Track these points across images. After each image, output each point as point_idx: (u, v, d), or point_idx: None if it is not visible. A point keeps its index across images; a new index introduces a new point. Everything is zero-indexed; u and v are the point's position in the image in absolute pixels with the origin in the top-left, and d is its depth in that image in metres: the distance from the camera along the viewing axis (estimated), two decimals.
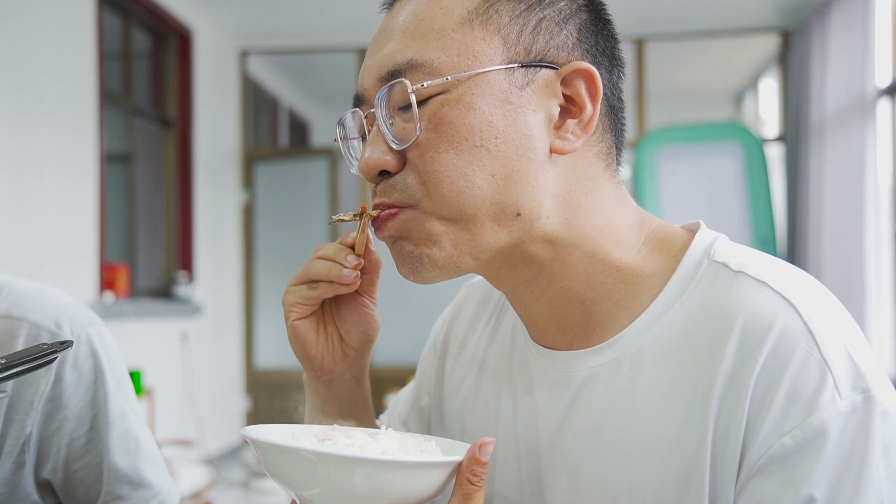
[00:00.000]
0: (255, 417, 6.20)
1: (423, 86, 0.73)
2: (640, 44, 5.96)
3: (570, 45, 0.75)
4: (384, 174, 0.76)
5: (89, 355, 1.04)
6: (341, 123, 0.81)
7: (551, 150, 0.74)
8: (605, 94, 0.77)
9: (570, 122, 0.75)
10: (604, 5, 0.80)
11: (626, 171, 0.71)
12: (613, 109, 0.79)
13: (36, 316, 1.02)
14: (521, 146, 0.73)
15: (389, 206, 0.76)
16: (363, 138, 0.79)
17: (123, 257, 4.85)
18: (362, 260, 0.83)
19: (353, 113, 0.80)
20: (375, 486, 0.63)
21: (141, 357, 4.49)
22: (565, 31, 0.75)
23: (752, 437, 0.67)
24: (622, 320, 0.77)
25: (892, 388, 0.69)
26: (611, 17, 0.80)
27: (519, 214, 0.74)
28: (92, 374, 1.04)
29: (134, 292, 4.85)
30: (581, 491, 0.76)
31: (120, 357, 1.08)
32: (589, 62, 0.76)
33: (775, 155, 6.23)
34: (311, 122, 8.55)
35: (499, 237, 0.75)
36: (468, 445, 0.68)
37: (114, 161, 4.76)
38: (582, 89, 0.75)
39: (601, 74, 0.76)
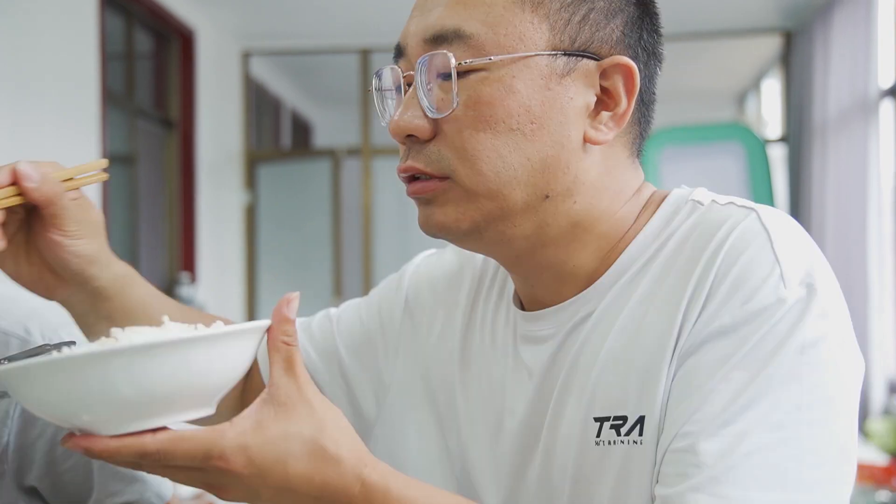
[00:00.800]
0: None
1: (466, 62, 0.73)
2: None
3: (615, 38, 0.76)
4: (412, 137, 0.77)
5: None
6: (378, 75, 0.81)
7: (585, 139, 0.76)
8: (643, 86, 0.78)
9: (605, 115, 0.76)
10: (650, 2, 0.81)
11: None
12: (646, 103, 0.81)
13: (4, 323, 0.98)
14: (557, 133, 0.75)
15: (419, 172, 0.76)
16: (398, 91, 0.79)
17: (126, 258, 4.82)
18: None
19: (392, 69, 0.80)
20: (183, 374, 0.55)
21: None
22: (612, 25, 0.76)
23: (699, 321, 0.70)
24: (603, 269, 0.79)
25: (841, 301, 0.71)
26: (658, 12, 0.81)
27: (548, 197, 0.76)
28: None
29: None
30: (564, 426, 0.77)
31: None
32: (629, 57, 0.77)
33: (778, 156, 6.22)
34: (314, 123, 8.55)
35: (526, 218, 0.76)
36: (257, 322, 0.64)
37: (116, 162, 4.76)
38: (619, 84, 0.76)
39: (640, 69, 0.77)
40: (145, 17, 5.06)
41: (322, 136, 8.54)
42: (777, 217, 0.73)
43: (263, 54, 6.47)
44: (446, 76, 0.74)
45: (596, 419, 0.74)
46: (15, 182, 0.77)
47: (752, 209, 0.74)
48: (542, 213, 0.76)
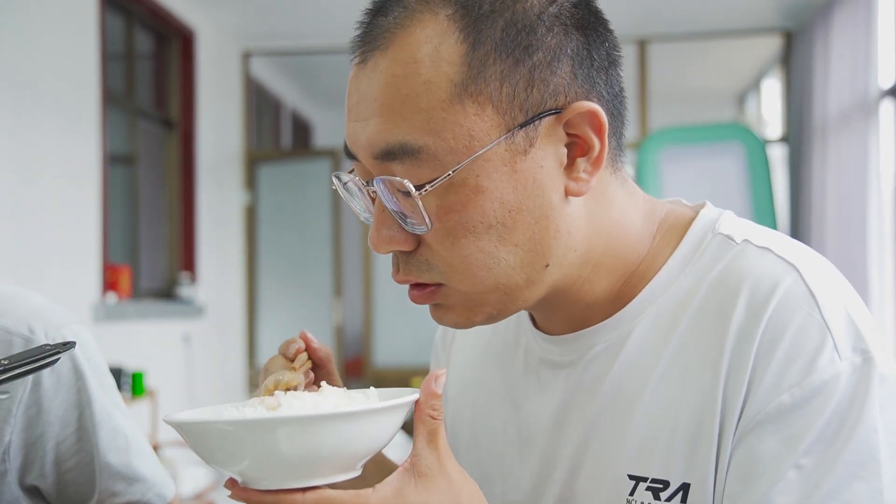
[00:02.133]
0: None
1: (428, 188, 0.69)
2: (642, 45, 5.95)
3: (567, 82, 0.71)
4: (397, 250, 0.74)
5: (67, 357, 1.00)
6: (337, 177, 0.77)
7: (567, 193, 0.72)
8: (608, 104, 0.74)
9: (581, 162, 0.72)
10: (590, 6, 0.74)
11: (629, 172, 0.70)
12: (617, 111, 0.76)
13: (7, 321, 0.98)
14: (537, 208, 0.71)
15: (414, 282, 0.74)
16: (362, 192, 0.76)
17: (126, 258, 4.85)
18: (302, 377, 0.80)
19: (350, 173, 0.76)
20: (339, 443, 0.61)
21: (143, 358, 4.49)
22: (559, 72, 0.70)
23: (752, 396, 0.67)
24: (627, 298, 0.77)
25: (891, 353, 0.70)
26: (598, 11, 0.75)
27: (548, 266, 0.73)
28: (72, 376, 1.01)
29: (137, 293, 4.85)
30: (585, 471, 0.76)
31: (99, 354, 1.06)
32: (586, 90, 0.71)
33: (778, 156, 6.22)
34: (314, 124, 8.55)
35: (536, 291, 0.74)
36: (409, 390, 0.68)
37: (116, 162, 4.76)
38: (587, 129, 0.71)
39: (601, 94, 0.73)
40: (145, 17, 5.06)
41: (322, 137, 8.54)
42: (819, 274, 0.71)
43: (263, 54, 6.47)
44: (409, 194, 0.69)
45: (631, 477, 0.72)
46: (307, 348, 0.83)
47: (792, 265, 0.70)
48: (549, 277, 0.74)
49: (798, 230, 5.78)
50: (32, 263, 3.66)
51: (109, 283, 4.33)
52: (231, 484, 0.65)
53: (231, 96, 6.17)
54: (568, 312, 0.79)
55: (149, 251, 5.19)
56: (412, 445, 0.66)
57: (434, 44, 0.69)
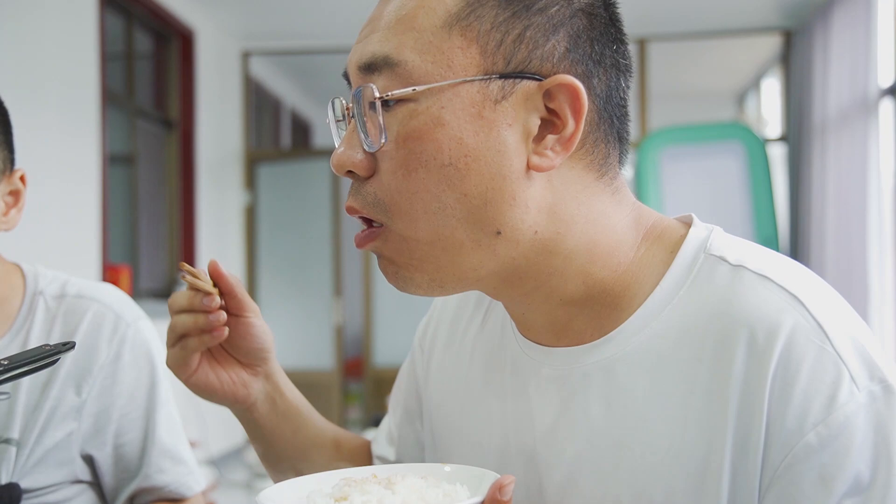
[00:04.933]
0: None
1: (388, 95, 0.69)
2: (642, 44, 5.96)
3: (558, 55, 0.70)
4: (353, 173, 0.74)
5: (144, 342, 1.18)
6: (332, 106, 0.78)
7: (528, 167, 0.70)
8: (597, 104, 0.72)
9: (550, 138, 0.70)
10: (611, 5, 0.75)
11: (628, 172, 0.69)
12: (610, 118, 0.74)
13: (106, 299, 1.18)
14: (495, 163, 0.69)
15: (358, 213, 0.74)
16: (346, 123, 0.77)
17: (126, 258, 4.86)
18: (218, 299, 0.82)
19: (341, 99, 0.78)
20: None
21: None
22: (553, 41, 0.70)
23: (774, 438, 0.66)
24: (618, 317, 0.75)
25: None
26: (617, 18, 0.75)
27: (499, 233, 0.71)
28: (147, 359, 1.18)
29: (136, 293, 4.85)
30: (579, 491, 0.74)
31: (162, 347, 1.17)
32: (579, 73, 0.71)
33: (778, 155, 6.23)
34: (314, 123, 8.55)
35: (483, 258, 0.72)
36: (486, 473, 0.68)
37: (116, 162, 4.77)
38: (565, 105, 0.70)
39: (593, 85, 0.71)
40: (145, 17, 5.06)
41: (322, 136, 8.55)
42: (824, 304, 0.69)
43: (263, 54, 6.48)
44: (375, 108, 0.70)
45: None
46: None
47: (796, 298, 0.69)
48: (502, 249, 0.71)
49: (798, 229, 5.78)
50: (32, 262, 3.66)
51: (109, 283, 4.33)
52: None
53: (231, 96, 6.17)
54: (544, 309, 0.77)
55: (148, 251, 5.19)
56: None
57: None
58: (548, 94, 0.70)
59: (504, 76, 0.69)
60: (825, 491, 0.64)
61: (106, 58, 4.37)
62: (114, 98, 4.66)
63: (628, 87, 0.76)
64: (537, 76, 0.70)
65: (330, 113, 0.78)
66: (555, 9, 0.71)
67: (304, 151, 7.44)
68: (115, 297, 1.20)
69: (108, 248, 4.40)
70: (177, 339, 0.84)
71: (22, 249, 3.61)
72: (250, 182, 6.37)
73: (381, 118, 0.70)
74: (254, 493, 5.14)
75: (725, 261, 0.73)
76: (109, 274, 4.34)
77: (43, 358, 0.84)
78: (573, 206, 0.73)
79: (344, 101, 0.77)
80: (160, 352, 1.20)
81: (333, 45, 6.13)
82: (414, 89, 0.69)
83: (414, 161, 0.70)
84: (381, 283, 6.07)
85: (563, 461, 0.75)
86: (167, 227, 5.42)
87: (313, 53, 6.40)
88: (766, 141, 5.84)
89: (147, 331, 1.20)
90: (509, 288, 0.76)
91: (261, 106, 7.04)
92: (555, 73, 0.70)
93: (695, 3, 5.59)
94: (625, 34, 0.75)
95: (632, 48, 0.78)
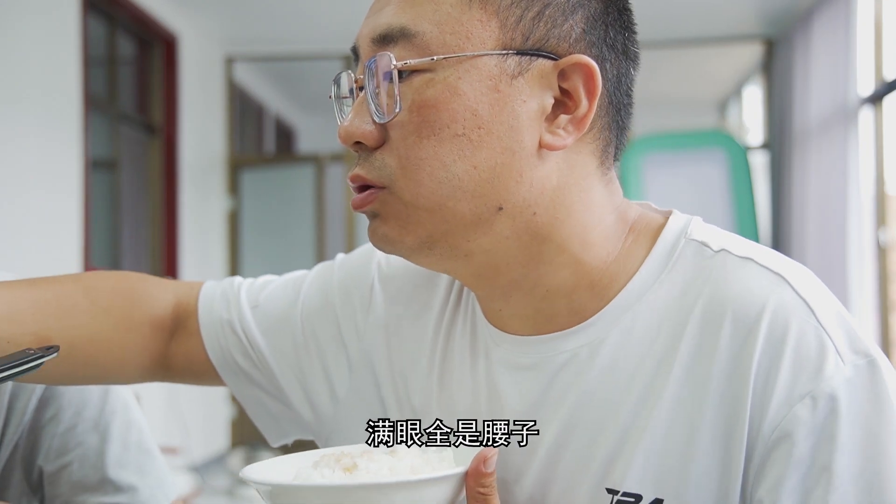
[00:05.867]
0: (240, 425, 6.17)
1: (406, 63, 0.69)
2: None
3: (574, 36, 0.71)
4: (361, 144, 0.73)
5: None
6: (336, 82, 0.78)
7: (540, 145, 0.71)
8: (607, 89, 0.73)
9: (563, 118, 0.71)
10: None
11: (616, 175, 0.69)
12: (617, 105, 0.75)
13: None
14: (507, 138, 0.70)
15: (364, 182, 0.73)
16: (353, 97, 0.76)
17: (108, 264, 4.83)
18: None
19: (348, 74, 0.77)
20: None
21: None
22: (571, 21, 0.71)
23: (762, 412, 0.66)
24: (598, 304, 0.75)
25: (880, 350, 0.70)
26: (629, 8, 0.77)
27: (501, 209, 0.71)
28: None
29: None
30: (556, 478, 0.74)
31: None
32: (593, 55, 0.71)
33: (759, 162, 6.27)
34: (297, 129, 8.54)
35: (479, 233, 0.72)
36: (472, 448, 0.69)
37: (99, 167, 4.74)
38: (580, 85, 0.71)
39: (605, 69, 0.72)
40: (128, 22, 5.04)
41: (305, 142, 8.53)
42: (807, 281, 0.70)
43: (247, 60, 6.46)
44: (392, 78, 0.70)
45: (609, 490, 0.71)
46: None
47: (779, 275, 0.70)
48: (500, 225, 0.71)
49: (779, 235, 5.82)
50: (13, 267, 3.63)
51: None
52: None
53: (214, 101, 6.15)
54: (526, 301, 0.76)
55: (131, 256, 5.16)
56: None
57: None
58: (562, 74, 0.71)
59: (521, 52, 0.70)
60: (813, 462, 0.65)
61: (88, 62, 4.35)
62: (96, 103, 4.63)
63: (635, 77, 0.77)
64: (553, 55, 0.71)
65: (334, 89, 0.78)
66: None
67: (288, 157, 7.42)
68: None
69: (91, 253, 4.37)
70: None
71: (3, 253, 3.58)
72: (234, 188, 6.35)
73: (396, 87, 0.70)
74: (236, 499, 5.11)
75: (707, 245, 0.73)
76: None
77: (27, 361, 0.84)
78: (574, 192, 0.73)
79: (352, 75, 0.77)
80: None
81: (317, 50, 6.13)
82: (433, 59, 0.69)
83: (427, 129, 0.70)
84: None
85: (540, 451, 0.75)
86: (150, 232, 5.39)
87: (297, 59, 6.39)
88: (748, 148, 5.88)
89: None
90: (494, 275, 0.75)
91: (244, 111, 7.02)
92: (570, 53, 0.71)
93: (677, 11, 5.62)
94: (635, 23, 0.77)
95: None
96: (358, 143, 0.73)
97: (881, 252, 4.63)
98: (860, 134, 4.60)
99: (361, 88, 0.73)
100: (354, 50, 0.76)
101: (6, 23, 3.69)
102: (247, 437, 6.08)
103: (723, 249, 0.73)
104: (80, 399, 1.04)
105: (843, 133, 4.71)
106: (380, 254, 0.91)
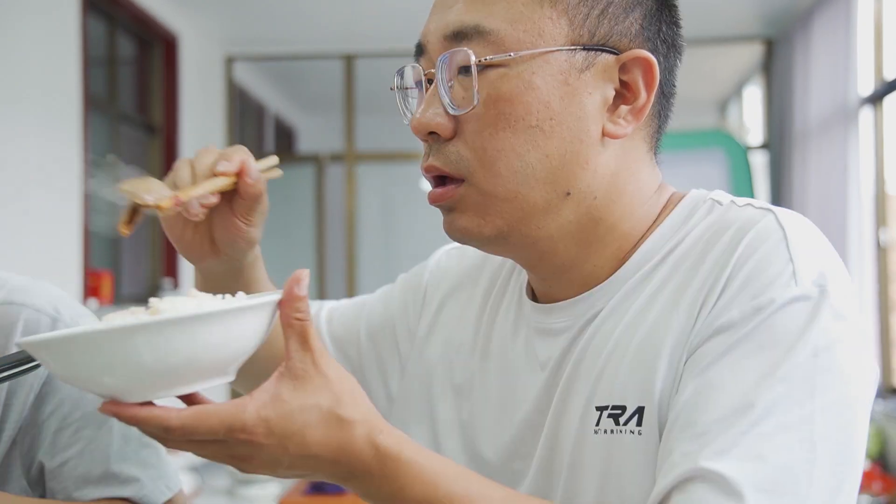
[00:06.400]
0: None
1: (486, 59, 0.73)
2: None
3: (634, 31, 0.77)
4: (434, 135, 0.77)
5: None
6: (400, 73, 0.82)
7: (603, 133, 0.76)
8: (663, 79, 0.78)
9: (623, 108, 0.76)
10: None
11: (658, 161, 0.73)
12: (665, 95, 0.81)
13: (37, 302, 1.05)
14: (576, 128, 0.75)
15: (441, 172, 0.77)
16: (420, 89, 0.80)
17: (108, 264, 4.83)
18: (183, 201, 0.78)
19: (412, 67, 0.81)
20: (200, 347, 0.59)
21: None
22: (630, 18, 0.76)
23: (711, 313, 0.69)
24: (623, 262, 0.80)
25: (856, 306, 0.70)
26: (676, 3, 0.82)
27: (569, 194, 0.76)
28: None
29: (118, 299, 4.82)
30: (569, 414, 0.77)
31: None
32: (649, 49, 0.77)
33: (759, 162, 6.27)
34: (298, 129, 8.53)
35: (549, 218, 0.76)
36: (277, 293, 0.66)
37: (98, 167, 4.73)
38: (639, 77, 0.76)
39: (660, 62, 0.78)
40: (128, 22, 5.04)
41: (306, 142, 8.53)
42: (794, 218, 0.74)
43: (247, 59, 6.46)
44: (466, 73, 0.74)
45: (597, 408, 0.75)
46: (238, 173, 0.82)
47: (769, 210, 0.74)
48: (566, 210, 0.76)
49: None
50: (13, 267, 3.62)
51: (90, 289, 4.30)
52: (104, 403, 0.63)
53: (214, 101, 6.15)
54: (573, 275, 0.80)
55: (131, 256, 5.16)
56: (285, 351, 0.65)
57: None
58: (623, 68, 0.76)
59: (588, 48, 0.75)
60: (729, 365, 0.66)
61: (88, 62, 4.35)
62: (96, 103, 4.63)
63: (678, 69, 0.83)
64: (616, 50, 0.76)
65: (397, 80, 0.82)
66: None
67: (288, 157, 7.42)
68: (50, 298, 1.08)
69: (90, 253, 4.37)
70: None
71: (2, 254, 3.58)
72: None
73: (475, 81, 0.74)
74: (236, 499, 5.11)
75: (718, 202, 0.79)
76: (91, 280, 4.31)
77: (26, 362, 0.84)
78: (627, 175, 0.79)
79: (418, 67, 0.80)
80: None
81: (318, 51, 6.13)
82: (511, 55, 0.73)
83: (503, 122, 0.74)
84: (364, 289, 6.06)
85: (558, 397, 0.79)
86: (149, 232, 5.39)
87: (297, 59, 6.39)
88: (748, 148, 5.88)
89: None
90: (552, 256, 0.79)
91: (244, 111, 7.02)
92: (630, 48, 0.76)
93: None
94: (680, 17, 0.82)
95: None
96: (431, 133, 0.77)
97: (881, 252, 4.63)
98: (860, 134, 4.60)
99: (430, 81, 0.77)
100: (420, 46, 0.80)
101: (6, 23, 3.68)
102: None
103: (731, 202, 0.78)
104: (79, 393, 1.04)
105: (843, 133, 4.70)
106: (431, 264, 1.00)
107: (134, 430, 1.05)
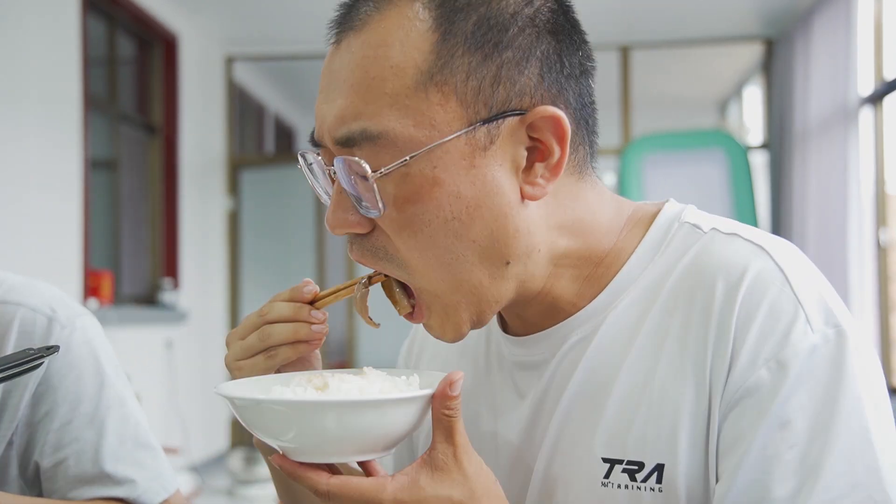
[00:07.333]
0: (239, 425, 6.15)
1: (382, 172, 0.69)
2: (625, 52, 5.99)
3: (533, 85, 0.71)
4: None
5: (84, 342, 1.06)
6: (303, 157, 0.78)
7: (523, 197, 0.72)
8: (576, 113, 0.74)
9: (539, 166, 0.72)
10: (569, 10, 0.75)
11: (610, 179, 0.70)
12: (585, 121, 0.76)
13: (32, 301, 1.05)
14: (494, 206, 0.71)
15: (370, 267, 0.76)
16: (325, 175, 0.77)
17: (108, 264, 4.83)
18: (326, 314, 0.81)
19: (314, 154, 0.77)
20: (349, 427, 0.65)
21: (125, 364, 4.44)
22: (527, 74, 0.71)
23: (732, 372, 0.69)
24: (597, 289, 0.78)
25: (860, 329, 0.71)
26: (576, 21, 0.76)
27: (508, 263, 0.73)
28: (90, 359, 1.06)
29: (118, 299, 4.82)
30: (562, 455, 0.77)
31: (109, 346, 1.11)
32: (553, 93, 0.72)
33: (759, 162, 6.27)
34: (297, 129, 8.54)
35: (502, 287, 0.74)
36: (438, 374, 0.70)
37: (98, 167, 4.74)
38: (549, 134, 0.71)
39: (569, 101, 0.73)
40: (128, 22, 5.04)
41: (305, 142, 8.51)
42: (788, 254, 0.73)
43: (247, 59, 6.46)
44: (367, 179, 0.70)
45: (605, 460, 0.73)
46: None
47: (761, 247, 0.73)
48: (513, 274, 0.74)
49: (779, 235, 5.80)
50: (12, 267, 3.63)
51: (91, 289, 4.30)
52: (276, 456, 0.69)
53: (214, 101, 6.15)
54: (536, 309, 0.79)
55: (131, 257, 5.16)
56: (431, 440, 0.68)
57: (406, 29, 0.70)
58: (531, 126, 0.71)
59: (488, 121, 0.70)
60: (767, 423, 0.67)
61: (88, 62, 4.35)
62: (96, 103, 4.63)
63: (593, 84, 0.78)
64: (518, 111, 0.71)
65: (301, 161, 0.78)
66: (521, 38, 0.71)
67: (288, 157, 7.42)
68: (46, 298, 1.07)
69: (90, 253, 4.37)
70: (265, 349, 0.80)
71: (2, 254, 3.58)
72: (233, 188, 6.35)
73: (376, 190, 0.70)
74: (236, 499, 5.11)
75: (699, 228, 0.77)
76: (91, 280, 4.31)
77: (28, 361, 0.84)
78: (567, 213, 0.76)
79: (319, 158, 0.76)
80: (106, 349, 1.10)
81: (318, 50, 6.12)
82: (406, 159, 0.69)
83: (417, 222, 0.71)
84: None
85: (548, 436, 0.78)
86: (149, 232, 5.39)
87: (297, 59, 6.39)
88: (748, 148, 5.88)
89: (90, 328, 1.08)
90: (515, 304, 0.78)
91: (244, 111, 7.02)
92: (534, 105, 0.71)
93: (677, 11, 5.62)
94: (585, 33, 0.77)
95: (615, 56, 0.80)
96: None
97: (881, 252, 4.63)
98: (860, 134, 4.60)
99: (331, 167, 0.73)
100: (313, 137, 0.76)
101: (6, 23, 3.69)
102: (247, 437, 6.08)
103: (713, 229, 0.76)
104: (75, 394, 1.04)
105: (843, 133, 4.71)
106: (411, 333, 1.02)
107: (129, 432, 1.07)
